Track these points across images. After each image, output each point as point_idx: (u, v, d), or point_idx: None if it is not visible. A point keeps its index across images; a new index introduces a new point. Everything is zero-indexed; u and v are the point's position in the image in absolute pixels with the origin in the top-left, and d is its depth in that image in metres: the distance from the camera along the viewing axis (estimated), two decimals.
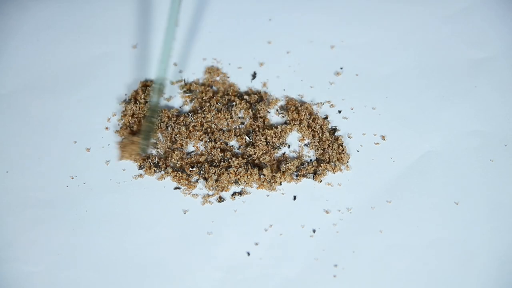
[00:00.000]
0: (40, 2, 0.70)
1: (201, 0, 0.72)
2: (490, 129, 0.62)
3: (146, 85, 0.65)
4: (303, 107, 0.63)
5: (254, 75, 0.66)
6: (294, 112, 0.63)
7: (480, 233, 0.56)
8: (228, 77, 0.66)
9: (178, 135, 0.61)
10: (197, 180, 0.59)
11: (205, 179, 0.59)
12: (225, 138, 0.61)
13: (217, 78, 0.66)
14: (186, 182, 0.59)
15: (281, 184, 0.59)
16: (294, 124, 0.62)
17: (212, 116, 0.62)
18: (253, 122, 0.62)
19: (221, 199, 0.58)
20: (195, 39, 0.68)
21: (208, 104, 0.63)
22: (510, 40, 0.68)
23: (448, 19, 0.70)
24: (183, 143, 0.61)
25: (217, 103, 0.63)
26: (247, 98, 0.64)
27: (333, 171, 0.59)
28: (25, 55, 0.67)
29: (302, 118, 0.62)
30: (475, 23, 0.69)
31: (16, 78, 0.65)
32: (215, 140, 0.61)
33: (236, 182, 0.59)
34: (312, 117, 0.62)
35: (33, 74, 0.66)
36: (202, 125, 0.62)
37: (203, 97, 0.64)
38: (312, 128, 0.62)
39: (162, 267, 0.55)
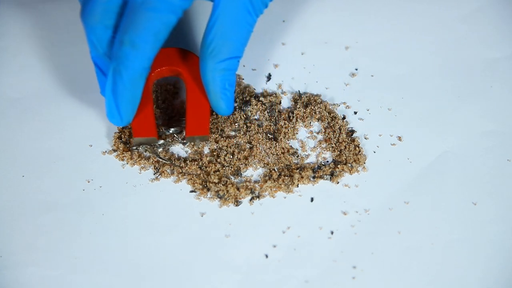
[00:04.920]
0: (55, 6, 0.70)
1: None
2: (507, 129, 0.62)
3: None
4: (322, 104, 0.63)
5: (269, 77, 0.66)
6: (315, 107, 0.62)
7: (499, 233, 0.56)
8: (243, 79, 0.66)
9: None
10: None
11: (221, 197, 0.58)
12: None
13: None
14: (201, 187, 0.58)
15: (298, 186, 0.59)
16: (313, 116, 0.62)
17: (225, 119, 0.62)
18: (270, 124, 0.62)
19: (238, 203, 0.58)
20: None
21: None
22: None
23: (463, 19, 0.69)
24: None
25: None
26: (263, 100, 0.63)
27: (350, 172, 0.59)
28: (39, 59, 0.67)
29: (322, 115, 0.62)
30: (491, 23, 0.69)
31: (31, 82, 0.65)
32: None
33: (252, 192, 0.58)
34: (332, 115, 0.62)
35: (47, 78, 0.65)
36: (217, 129, 0.62)
37: None
38: (331, 126, 0.61)
39: (180, 270, 0.55)
